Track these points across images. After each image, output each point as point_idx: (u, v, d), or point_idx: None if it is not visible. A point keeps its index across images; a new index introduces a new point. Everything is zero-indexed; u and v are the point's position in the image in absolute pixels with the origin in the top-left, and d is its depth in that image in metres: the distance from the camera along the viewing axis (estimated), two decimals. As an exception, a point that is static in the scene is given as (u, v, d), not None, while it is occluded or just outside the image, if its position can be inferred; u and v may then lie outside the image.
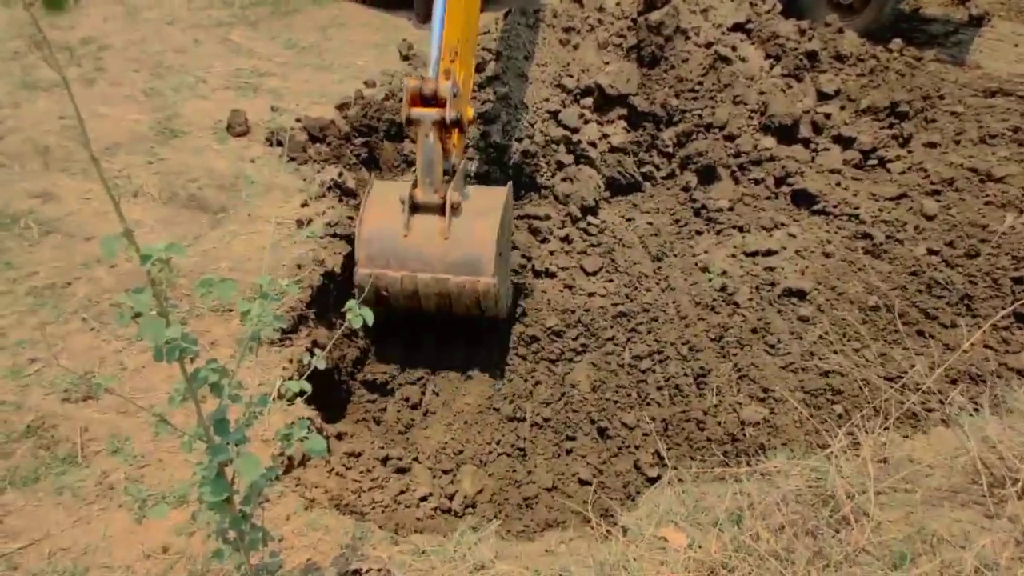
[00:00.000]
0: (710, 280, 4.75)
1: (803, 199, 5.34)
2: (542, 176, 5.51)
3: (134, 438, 3.00)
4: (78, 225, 4.32)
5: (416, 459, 3.61)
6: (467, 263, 3.67)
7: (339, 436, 3.56)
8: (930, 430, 3.12)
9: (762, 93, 5.88)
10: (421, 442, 3.78)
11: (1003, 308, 4.15)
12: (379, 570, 2.48)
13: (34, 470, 2.84)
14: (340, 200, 4.76)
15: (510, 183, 4.34)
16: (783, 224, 5.17)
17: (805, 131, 5.72)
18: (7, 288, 3.78)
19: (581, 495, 3.54)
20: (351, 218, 4.67)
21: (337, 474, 3.22)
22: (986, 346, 4.06)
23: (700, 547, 2.41)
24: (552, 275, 4.88)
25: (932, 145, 5.66)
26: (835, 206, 5.19)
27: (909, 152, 5.61)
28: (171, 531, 2.60)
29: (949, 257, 4.63)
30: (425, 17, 7.67)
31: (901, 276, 4.58)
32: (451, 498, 3.44)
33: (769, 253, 4.88)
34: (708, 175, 5.57)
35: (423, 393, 4.11)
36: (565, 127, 5.70)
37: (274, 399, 3.04)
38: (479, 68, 5.70)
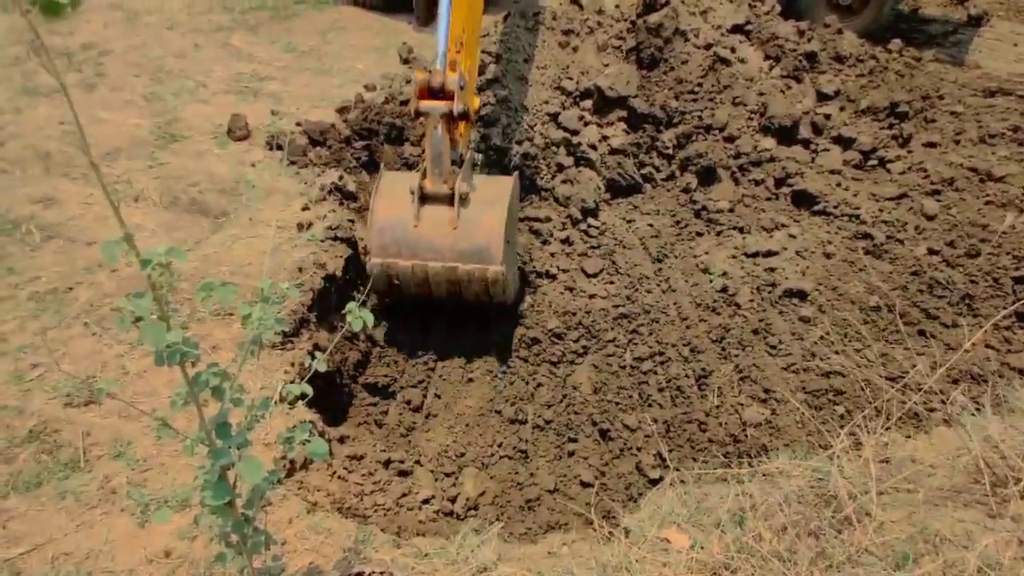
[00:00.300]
0: (711, 281, 4.75)
1: (803, 200, 5.34)
2: (542, 178, 5.51)
3: (136, 442, 3.00)
4: (79, 230, 4.33)
5: (418, 462, 3.61)
6: (476, 252, 3.79)
7: (341, 439, 3.57)
8: (932, 430, 3.12)
9: (762, 94, 5.88)
10: (423, 445, 3.78)
11: (1004, 307, 4.15)
12: (381, 573, 2.48)
13: (37, 475, 2.85)
14: (341, 203, 4.77)
15: (516, 173, 4.42)
16: (783, 225, 5.17)
17: (805, 132, 5.73)
18: (9, 293, 3.78)
19: (583, 497, 3.54)
20: (352, 221, 4.68)
21: (339, 477, 3.22)
22: (988, 346, 4.05)
23: (702, 548, 2.41)
24: (553, 277, 4.88)
25: (932, 145, 5.66)
26: (835, 206, 5.19)
27: (909, 152, 5.62)
28: (174, 535, 2.60)
29: (950, 257, 4.63)
30: (425, 20, 7.69)
31: (902, 276, 4.58)
32: (453, 500, 3.44)
33: (770, 254, 4.88)
34: (708, 176, 5.57)
35: (424, 396, 4.11)
36: (565, 129, 5.71)
37: (276, 402, 3.04)
38: (479, 71, 5.71)
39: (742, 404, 3.85)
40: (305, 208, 4.64)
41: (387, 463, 3.50)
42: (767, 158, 5.56)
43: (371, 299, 4.59)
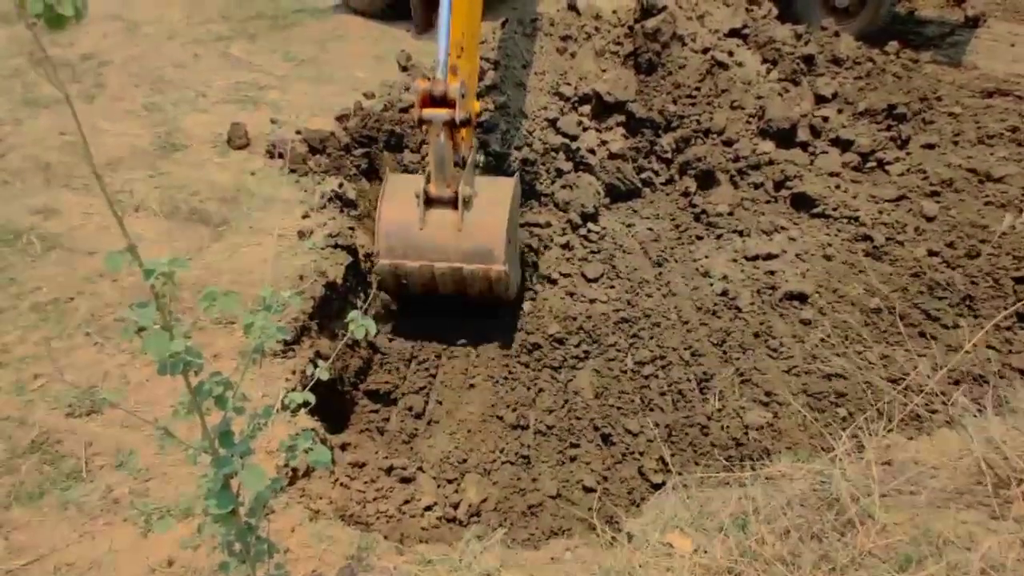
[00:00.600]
0: (711, 285, 4.76)
1: (803, 202, 5.35)
2: (542, 184, 5.53)
3: (139, 452, 3.00)
4: (80, 240, 4.34)
5: (420, 468, 3.60)
6: (480, 253, 3.99)
7: (343, 447, 3.57)
8: (934, 431, 3.12)
9: (760, 98, 5.90)
10: (425, 451, 3.78)
11: (1005, 308, 4.15)
12: (385, 580, 2.48)
13: (39, 485, 2.85)
14: (341, 211, 4.78)
15: (517, 174, 4.57)
16: (783, 228, 5.18)
17: (803, 135, 5.74)
18: (10, 304, 3.79)
19: (586, 502, 3.53)
20: (352, 229, 4.69)
21: (342, 485, 3.22)
22: (989, 346, 4.05)
23: (706, 552, 2.41)
24: (553, 282, 4.89)
25: (930, 146, 5.67)
26: (835, 209, 5.20)
27: (908, 154, 5.63)
28: (176, 544, 2.60)
29: (950, 258, 4.63)
30: (423, 28, 7.71)
31: (902, 278, 4.59)
32: (456, 507, 3.43)
33: (770, 257, 4.89)
34: (707, 180, 5.59)
35: (426, 402, 4.11)
36: (564, 135, 5.72)
37: (278, 410, 3.04)
38: (478, 77, 5.74)
39: (744, 407, 3.85)
40: (305, 216, 4.65)
41: (389, 470, 3.49)
42: (766, 161, 5.58)
43: (374, 306, 4.60)
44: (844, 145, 5.67)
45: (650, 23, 6.06)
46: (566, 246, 5.15)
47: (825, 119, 5.81)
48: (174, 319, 1.40)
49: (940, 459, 2.71)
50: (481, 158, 5.30)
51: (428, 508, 3.35)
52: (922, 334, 4.21)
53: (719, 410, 3.88)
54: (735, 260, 4.94)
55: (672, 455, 3.68)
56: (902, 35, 7.67)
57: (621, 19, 6.78)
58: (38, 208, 4.60)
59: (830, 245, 4.94)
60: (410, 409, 4.04)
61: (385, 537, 2.87)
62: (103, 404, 3.17)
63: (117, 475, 2.91)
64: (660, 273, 4.97)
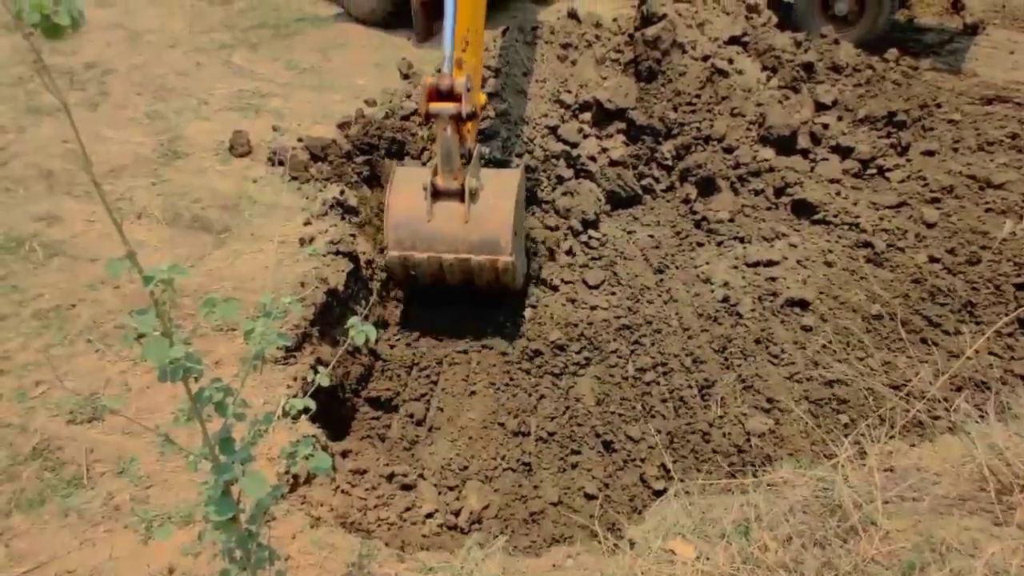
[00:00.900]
0: (712, 291, 4.75)
1: (803, 209, 5.36)
2: (542, 191, 5.54)
3: (139, 459, 3.00)
4: (83, 247, 4.35)
5: (421, 475, 3.60)
6: (487, 244, 4.08)
7: (344, 454, 3.56)
8: (936, 438, 3.11)
9: (760, 105, 5.92)
10: (426, 458, 3.77)
11: (1006, 314, 4.14)
12: (385, 588, 2.47)
13: (40, 492, 2.84)
14: (342, 218, 4.79)
15: (523, 165, 4.64)
16: (784, 234, 5.18)
17: (803, 142, 5.75)
18: (12, 311, 3.80)
19: (587, 509, 3.52)
20: (353, 236, 4.70)
21: (342, 492, 3.22)
22: (991, 353, 4.05)
23: (708, 559, 2.40)
24: (555, 288, 4.89)
25: (930, 153, 5.68)
26: (835, 215, 5.21)
27: (908, 160, 5.64)
28: (177, 552, 2.60)
29: (951, 264, 4.63)
30: (424, 36, 7.75)
31: (903, 284, 4.58)
32: (457, 514, 3.43)
33: (770, 263, 4.89)
34: (708, 187, 5.59)
35: (427, 409, 4.11)
36: (564, 142, 5.74)
37: (278, 417, 3.04)
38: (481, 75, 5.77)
39: (745, 414, 3.85)
40: (307, 223, 4.66)
41: (390, 477, 3.49)
42: (766, 168, 5.59)
43: (374, 312, 4.60)
44: (844, 152, 5.68)
45: (650, 31, 6.09)
46: (567, 253, 5.15)
47: (825, 126, 5.83)
48: (174, 326, 1.41)
49: (943, 465, 2.70)
50: (487, 150, 5.33)
51: (429, 515, 3.34)
52: (923, 340, 4.20)
53: (721, 417, 3.87)
54: (736, 267, 4.95)
55: (674, 462, 3.67)
56: (902, 42, 7.69)
57: (621, 27, 6.81)
58: (40, 215, 4.61)
59: (831, 252, 4.94)
60: (411, 416, 4.03)
61: (386, 544, 2.86)
62: (104, 411, 3.17)
63: (118, 482, 2.91)
64: (661, 280, 4.98)
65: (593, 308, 4.68)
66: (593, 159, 5.70)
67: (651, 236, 5.41)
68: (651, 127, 5.86)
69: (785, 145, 5.72)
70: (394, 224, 4.18)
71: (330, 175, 5.17)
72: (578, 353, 4.35)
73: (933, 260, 4.69)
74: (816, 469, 2.77)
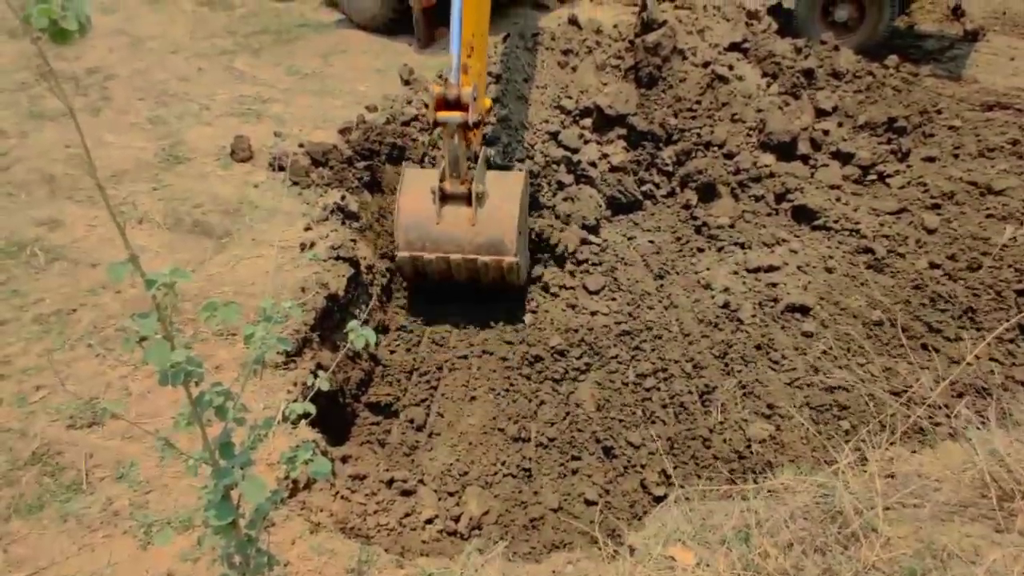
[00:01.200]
0: (713, 297, 4.75)
1: (804, 215, 5.36)
2: (543, 196, 5.55)
3: (139, 464, 3.00)
4: (84, 252, 4.35)
5: (421, 481, 3.59)
6: (492, 245, 4.32)
7: (344, 459, 3.55)
8: (937, 444, 3.10)
9: (760, 111, 5.93)
10: (426, 464, 3.77)
11: (1007, 320, 4.14)
12: (385, 594, 2.46)
13: (39, 497, 2.84)
14: (343, 223, 4.79)
15: (527, 169, 4.82)
16: (784, 240, 5.19)
17: (804, 147, 5.76)
18: (13, 315, 3.80)
19: (587, 515, 3.51)
20: (354, 241, 4.71)
21: (342, 497, 3.21)
22: (991, 359, 4.04)
23: (708, 566, 2.39)
24: (555, 294, 4.89)
25: (931, 159, 5.69)
26: (836, 221, 5.21)
27: (908, 167, 5.65)
28: (176, 557, 2.59)
29: (951, 270, 4.63)
30: (425, 43, 7.78)
31: (904, 290, 4.58)
32: (457, 520, 3.42)
33: (771, 269, 4.89)
34: (708, 192, 5.60)
35: (427, 414, 4.11)
36: (565, 147, 5.75)
37: (278, 422, 3.04)
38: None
39: (746, 420, 3.84)
40: (307, 228, 4.67)
41: (390, 482, 3.48)
42: (767, 174, 5.60)
43: (373, 318, 4.61)
44: (845, 158, 5.69)
45: (651, 37, 6.11)
46: (571, 255, 5.15)
47: (825, 132, 5.84)
48: (175, 330, 1.41)
49: (943, 472, 2.70)
50: (492, 152, 5.37)
51: (429, 521, 3.33)
52: (924, 346, 4.20)
53: (721, 423, 3.86)
54: (736, 272, 4.95)
55: (674, 468, 3.66)
56: (902, 49, 7.72)
57: (622, 33, 6.84)
58: (42, 220, 4.62)
59: (831, 257, 4.94)
60: (411, 421, 4.03)
61: (386, 550, 2.86)
62: (104, 415, 3.17)
63: (117, 487, 2.90)
64: (661, 285, 4.98)
65: (593, 314, 4.68)
66: (594, 164, 5.72)
67: (652, 242, 5.41)
68: (652, 133, 5.87)
69: (785, 151, 5.73)
70: (405, 226, 4.41)
71: (331, 180, 5.18)
72: (578, 359, 4.35)
73: (934, 266, 4.69)
74: (817, 475, 2.76)
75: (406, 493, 3.47)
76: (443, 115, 3.96)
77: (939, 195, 5.25)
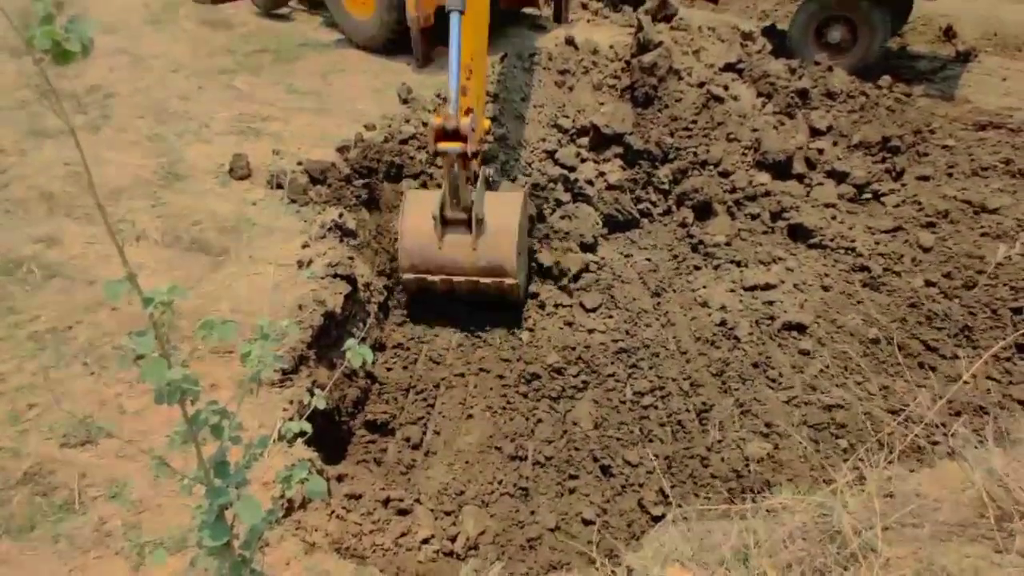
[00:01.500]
0: (710, 315, 4.76)
1: (799, 233, 5.39)
2: (543, 211, 5.56)
3: (132, 483, 2.97)
4: (81, 269, 4.35)
5: (417, 500, 3.56)
6: (493, 269, 4.48)
7: (339, 478, 3.53)
8: (935, 463, 3.09)
9: (755, 130, 5.98)
10: (422, 483, 3.74)
11: (1003, 338, 4.15)
12: (380, 616, 2.43)
13: (30, 518, 2.81)
14: (341, 240, 4.80)
15: (526, 188, 4.91)
16: (780, 258, 5.21)
17: (799, 166, 5.81)
18: (8, 333, 3.78)
19: (585, 535, 3.48)
20: (351, 258, 4.71)
21: (338, 517, 3.18)
22: (988, 377, 4.04)
23: (707, 587, 2.37)
24: (552, 312, 4.89)
25: (925, 178, 5.73)
26: (831, 239, 5.24)
27: (903, 185, 5.69)
28: (169, 578, 2.56)
29: (947, 288, 4.65)
30: (423, 62, 7.84)
31: (900, 308, 4.59)
32: (453, 540, 3.38)
33: (768, 287, 4.90)
34: (704, 211, 5.63)
35: (424, 432, 4.08)
36: (563, 166, 5.79)
37: (274, 440, 3.02)
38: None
39: (744, 439, 3.83)
40: (305, 246, 4.67)
41: (386, 502, 3.45)
42: (762, 192, 5.63)
43: (371, 335, 4.60)
44: (839, 177, 5.73)
45: (647, 58, 6.18)
46: (566, 274, 5.16)
47: (820, 151, 5.89)
48: (172, 348, 1.40)
49: (942, 491, 2.68)
50: (491, 171, 5.40)
51: (425, 541, 3.30)
52: (921, 365, 4.20)
53: (719, 441, 3.85)
54: (733, 290, 4.96)
55: (672, 487, 3.64)
56: (895, 69, 7.81)
57: (618, 54, 6.91)
58: (40, 237, 4.62)
59: (827, 275, 4.96)
60: (408, 440, 4.01)
61: (381, 571, 2.83)
62: (99, 434, 3.14)
63: (110, 507, 2.87)
64: (658, 303, 4.98)
65: (591, 331, 4.68)
66: (591, 183, 5.75)
67: (648, 260, 5.43)
68: (648, 152, 5.91)
69: (781, 170, 5.78)
70: (408, 250, 4.58)
71: (329, 198, 5.19)
72: (576, 376, 4.34)
73: (929, 284, 4.70)
74: (815, 495, 2.74)
75: (402, 512, 3.44)
76: (443, 145, 4.08)
77: (934, 213, 5.28)
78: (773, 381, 4.18)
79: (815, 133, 6.15)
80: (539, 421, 4.10)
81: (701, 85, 6.26)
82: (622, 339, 4.60)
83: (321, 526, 3.03)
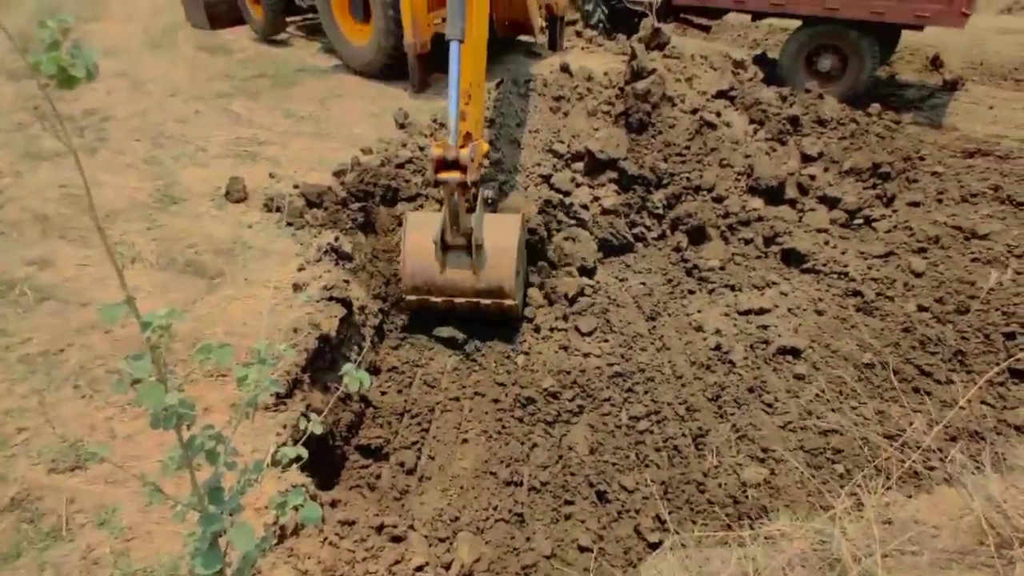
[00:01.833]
0: (704, 339, 4.76)
1: (793, 258, 5.43)
2: (541, 233, 5.58)
3: (122, 509, 2.92)
4: (74, 292, 4.32)
5: (411, 526, 3.51)
6: (492, 291, 4.68)
7: (333, 503, 3.48)
8: (933, 489, 3.08)
9: (748, 156, 6.05)
10: (416, 508, 3.69)
11: (997, 363, 4.16)
12: (373, 646, 2.38)
13: (16, 545, 2.75)
14: (336, 263, 4.80)
15: (523, 212, 5.11)
16: (774, 283, 5.23)
17: (791, 192, 5.87)
18: (-1, 355, 3.75)
19: (581, 562, 3.44)
20: (347, 281, 4.71)
21: (331, 544, 3.13)
22: (983, 402, 4.05)
23: (706, 616, 2.34)
24: (547, 336, 4.89)
25: (916, 204, 5.80)
26: (824, 264, 5.27)
27: (894, 211, 5.75)
28: (157, 607, 2.50)
29: (940, 313, 4.67)
30: (420, 88, 7.93)
31: (893, 333, 4.61)
32: (448, 567, 3.33)
33: (762, 311, 4.92)
34: (698, 236, 5.67)
35: (418, 457, 4.04)
36: (558, 191, 5.82)
37: (268, 465, 2.98)
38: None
39: (740, 464, 3.80)
40: (301, 268, 4.66)
41: (380, 528, 3.40)
42: (755, 217, 5.68)
43: (365, 359, 4.57)
44: (831, 202, 5.79)
45: (640, 84, 6.27)
46: (564, 297, 5.16)
47: (812, 177, 5.96)
48: (169, 371, 1.39)
49: (941, 518, 2.67)
50: (490, 193, 5.44)
51: (419, 568, 3.24)
52: (916, 389, 4.21)
53: (716, 466, 3.83)
54: (727, 314, 4.97)
55: (669, 513, 3.61)
56: (884, 98, 7.95)
57: (612, 80, 7.00)
58: (33, 259, 4.60)
59: (821, 300, 4.98)
60: (402, 464, 3.96)
61: (374, 599, 2.77)
62: (92, 458, 3.10)
63: (98, 533, 2.82)
64: (653, 327, 4.99)
65: (586, 355, 4.67)
66: (586, 207, 5.79)
67: (643, 283, 5.45)
68: (642, 177, 5.96)
69: (773, 195, 5.84)
70: (411, 273, 4.78)
71: (325, 221, 5.20)
72: (571, 401, 4.32)
73: (922, 309, 4.73)
74: (814, 521, 2.72)
75: (396, 539, 3.39)
76: (443, 176, 4.26)
77: (925, 239, 5.33)
78: (769, 406, 4.18)
79: (807, 159, 6.23)
80: (534, 446, 4.07)
81: (694, 112, 6.35)
82: (617, 363, 4.59)
83: (314, 553, 2.98)
